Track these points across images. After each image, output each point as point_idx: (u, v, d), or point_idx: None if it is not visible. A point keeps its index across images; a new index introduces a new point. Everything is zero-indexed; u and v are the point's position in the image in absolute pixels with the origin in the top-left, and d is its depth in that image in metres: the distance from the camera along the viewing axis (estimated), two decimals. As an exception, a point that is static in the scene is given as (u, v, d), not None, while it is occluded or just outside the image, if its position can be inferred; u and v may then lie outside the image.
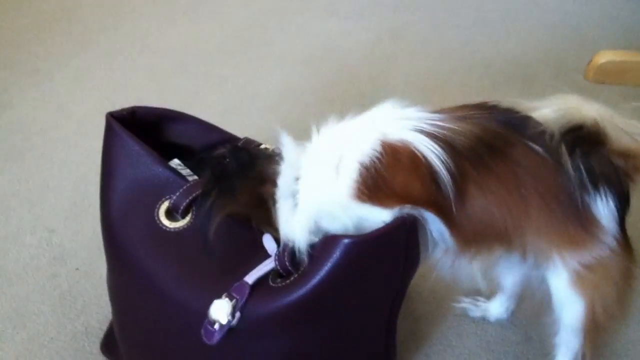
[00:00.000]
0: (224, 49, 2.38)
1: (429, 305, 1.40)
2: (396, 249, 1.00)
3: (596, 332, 1.14)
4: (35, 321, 1.37)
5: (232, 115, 1.97)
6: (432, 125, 0.99)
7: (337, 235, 0.94)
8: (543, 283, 1.13)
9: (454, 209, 0.99)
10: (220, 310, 0.95)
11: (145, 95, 2.12)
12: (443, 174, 0.97)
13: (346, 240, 0.92)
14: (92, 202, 1.64)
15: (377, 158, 0.97)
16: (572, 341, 1.15)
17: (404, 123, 1.00)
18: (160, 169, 1.08)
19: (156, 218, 1.07)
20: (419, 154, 0.97)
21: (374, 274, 1.00)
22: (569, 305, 1.10)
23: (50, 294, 1.43)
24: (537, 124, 1.00)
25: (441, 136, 0.98)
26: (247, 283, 0.96)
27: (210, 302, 0.97)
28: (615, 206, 1.02)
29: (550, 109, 1.02)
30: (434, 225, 1.03)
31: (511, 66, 2.21)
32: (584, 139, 0.99)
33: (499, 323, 1.37)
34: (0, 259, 1.52)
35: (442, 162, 0.97)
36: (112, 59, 2.34)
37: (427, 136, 0.98)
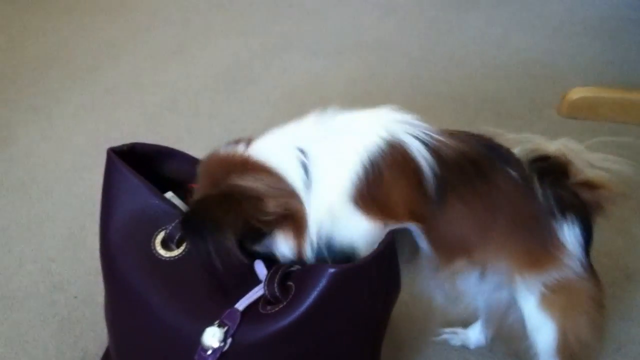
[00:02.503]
0: (213, 86, 2.43)
1: (412, 332, 1.44)
2: (379, 276, 1.04)
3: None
4: (36, 347, 1.41)
5: None
6: (425, 134, 1.04)
7: (323, 265, 0.98)
8: (511, 307, 1.16)
9: (435, 215, 1.03)
10: (213, 337, 0.99)
11: (139, 130, 2.17)
12: (430, 179, 1.02)
13: (332, 270, 0.96)
14: (90, 232, 1.68)
15: (381, 155, 1.01)
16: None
17: (402, 126, 1.04)
18: (156, 201, 1.12)
19: (152, 248, 1.10)
20: (411, 156, 1.02)
21: (358, 301, 1.03)
22: (540, 329, 1.14)
23: (50, 320, 1.47)
24: (513, 153, 1.07)
25: (432, 145, 1.03)
26: (237, 310, 1.00)
27: (203, 328, 1.00)
28: (581, 233, 1.08)
29: (517, 144, 1.10)
30: (417, 238, 1.06)
31: (486, 102, 2.26)
32: (550, 169, 1.07)
33: (479, 351, 1.40)
34: (2, 287, 1.56)
35: (431, 168, 1.02)
36: (107, 96, 2.38)
37: (420, 142, 1.03)
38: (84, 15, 3.01)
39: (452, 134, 1.07)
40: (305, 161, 1.03)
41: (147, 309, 1.08)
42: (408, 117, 1.07)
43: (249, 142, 1.06)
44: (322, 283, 0.97)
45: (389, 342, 1.18)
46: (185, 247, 1.10)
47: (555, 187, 1.07)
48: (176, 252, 1.10)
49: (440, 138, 1.05)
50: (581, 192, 1.08)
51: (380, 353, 1.17)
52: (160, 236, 1.12)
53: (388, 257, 1.04)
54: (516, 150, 1.10)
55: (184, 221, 1.02)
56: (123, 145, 1.20)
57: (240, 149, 1.05)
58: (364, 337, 1.12)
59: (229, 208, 0.98)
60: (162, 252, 1.10)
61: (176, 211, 1.12)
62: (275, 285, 1.00)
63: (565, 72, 2.45)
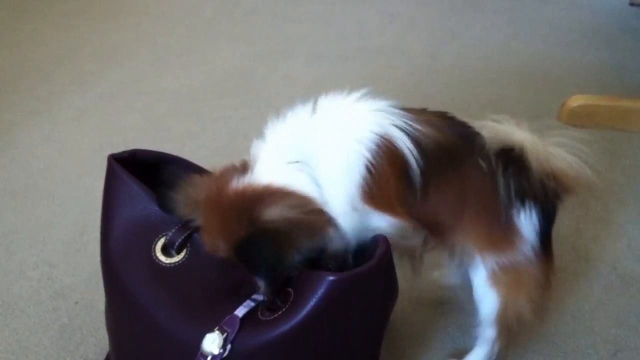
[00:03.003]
0: (215, 92, 2.44)
1: (411, 338, 1.45)
2: (377, 284, 1.05)
3: (510, 332, 1.26)
4: (37, 353, 1.41)
5: (223, 155, 1.98)
6: (406, 124, 1.08)
7: (322, 273, 0.98)
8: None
9: (417, 205, 1.10)
10: (213, 343, 1.00)
11: (142, 135, 2.18)
12: (415, 171, 1.07)
13: (330, 278, 0.97)
14: (91, 238, 1.69)
15: (378, 152, 1.06)
16: (488, 332, 1.28)
17: (387, 117, 1.09)
18: (156, 207, 1.13)
19: (153, 254, 1.12)
20: (400, 150, 1.07)
21: (356, 307, 1.04)
22: (484, 299, 1.23)
23: (50, 326, 1.47)
24: (484, 141, 1.11)
25: (413, 136, 1.08)
26: (237, 317, 1.01)
27: (202, 334, 1.01)
28: (538, 220, 1.15)
29: (485, 130, 1.14)
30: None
31: (487, 108, 2.27)
32: (513, 160, 1.11)
33: None
34: (3, 293, 1.56)
35: (415, 159, 1.07)
36: (110, 100, 2.39)
37: (404, 134, 1.07)
38: (88, 19, 3.02)
39: (428, 120, 1.12)
40: (314, 174, 1.05)
41: (147, 315, 1.09)
42: (386, 104, 1.12)
43: (245, 167, 1.07)
44: (321, 290, 0.98)
45: (388, 348, 1.21)
46: (186, 253, 1.11)
47: (517, 177, 1.12)
48: (176, 259, 1.12)
49: (419, 127, 1.09)
50: (542, 183, 1.13)
51: (379, 356, 1.19)
52: (160, 242, 1.13)
53: (386, 265, 1.05)
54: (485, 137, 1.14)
55: (250, 267, 1.03)
56: (124, 152, 1.21)
57: (249, 178, 1.05)
58: (362, 343, 1.13)
59: (287, 244, 1.00)
60: (162, 258, 1.12)
61: (176, 217, 1.12)
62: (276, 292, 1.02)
63: (565, 80, 2.46)
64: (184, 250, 1.11)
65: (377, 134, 1.07)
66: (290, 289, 1.03)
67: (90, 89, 2.47)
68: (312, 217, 1.03)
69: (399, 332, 1.45)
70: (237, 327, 1.01)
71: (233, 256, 1.02)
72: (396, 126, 1.08)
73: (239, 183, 1.05)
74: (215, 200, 1.05)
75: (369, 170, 1.05)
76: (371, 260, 1.01)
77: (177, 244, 1.11)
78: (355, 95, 1.13)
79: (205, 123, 2.25)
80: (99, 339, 1.43)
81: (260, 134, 1.12)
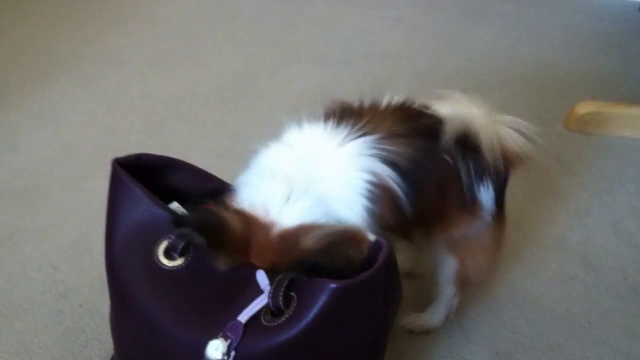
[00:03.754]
0: (219, 96, 2.43)
1: (414, 345, 1.45)
2: (380, 290, 1.04)
3: (467, 287, 1.40)
4: (41, 355, 1.41)
5: (227, 158, 2.02)
6: (383, 151, 1.14)
7: (324, 280, 0.97)
8: None
9: (408, 223, 1.18)
10: (216, 350, 0.99)
11: (145, 138, 2.18)
12: (403, 199, 1.15)
13: (333, 285, 0.96)
14: (95, 240, 1.67)
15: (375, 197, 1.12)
16: (448, 290, 1.40)
17: (369, 154, 1.14)
18: (159, 211, 1.12)
19: (155, 257, 1.10)
20: (388, 186, 1.13)
21: (359, 315, 1.03)
22: (446, 263, 1.35)
23: (55, 329, 1.47)
24: (445, 131, 1.21)
25: (392, 162, 1.14)
26: (240, 323, 1.00)
27: (205, 339, 1.00)
28: (495, 191, 1.28)
29: (444, 110, 1.26)
30: None
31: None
32: (469, 144, 1.22)
33: None
34: (7, 295, 1.56)
35: (402, 190, 1.15)
36: (114, 104, 2.39)
37: (386, 165, 1.13)
38: (92, 23, 3.02)
39: (394, 132, 1.18)
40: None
41: (150, 320, 1.08)
42: (360, 137, 1.16)
43: (263, 219, 1.08)
44: (323, 298, 0.97)
45: (391, 355, 1.19)
46: (188, 257, 1.10)
47: (474, 159, 1.24)
48: (179, 262, 1.10)
49: (390, 147, 1.15)
50: (494, 161, 1.25)
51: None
52: (162, 246, 1.12)
53: (389, 271, 1.04)
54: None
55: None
56: (129, 156, 1.21)
57: (278, 226, 1.07)
58: (366, 351, 1.11)
59: (342, 252, 1.03)
60: (164, 261, 1.11)
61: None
62: (280, 296, 1.00)
63: (573, 86, 2.46)
64: (187, 254, 1.10)
65: (369, 179, 1.12)
66: (293, 293, 1.01)
67: (93, 92, 2.46)
68: (348, 230, 1.06)
69: (402, 339, 1.44)
70: (240, 333, 1.00)
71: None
72: (379, 159, 1.14)
73: (271, 232, 1.07)
74: (262, 246, 1.07)
75: (370, 214, 1.12)
76: (374, 265, 1.00)
77: (179, 247, 1.10)
78: (330, 131, 1.18)
79: (208, 127, 2.24)
80: (103, 342, 1.43)
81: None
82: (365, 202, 1.11)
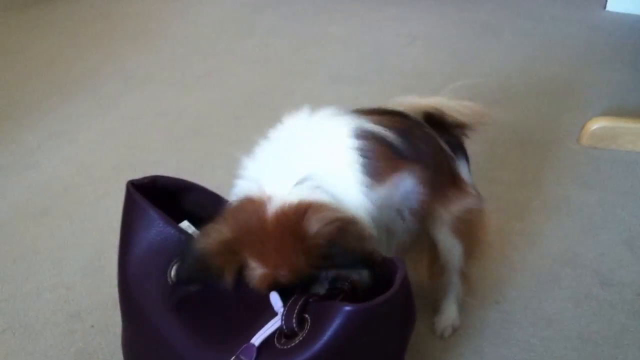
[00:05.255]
0: (235, 113, 2.45)
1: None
2: (394, 312, 1.03)
3: (467, 269, 1.44)
4: (53, 376, 1.41)
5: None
6: (371, 120, 1.18)
7: (338, 303, 0.97)
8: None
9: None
10: None
11: (162, 157, 2.19)
12: (399, 146, 1.17)
13: (347, 308, 0.95)
14: (109, 260, 1.69)
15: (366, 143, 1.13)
16: (454, 280, 1.44)
17: (357, 118, 1.18)
18: (172, 231, 1.13)
19: (168, 279, 1.11)
20: (380, 134, 1.16)
21: (374, 338, 1.02)
22: (452, 248, 1.36)
23: (67, 350, 1.47)
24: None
25: (381, 124, 1.18)
26: (253, 346, 1.00)
27: (219, 361, 1.00)
28: (467, 164, 1.39)
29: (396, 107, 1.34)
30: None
31: (506, 130, 2.26)
32: (439, 123, 1.35)
33: None
34: (21, 316, 1.56)
35: (396, 139, 1.17)
36: (130, 122, 2.40)
37: (375, 125, 1.17)
38: (110, 42, 3.05)
39: (383, 114, 1.25)
40: (324, 187, 1.07)
41: (163, 341, 1.09)
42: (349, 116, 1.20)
43: (259, 198, 1.07)
44: (338, 321, 0.96)
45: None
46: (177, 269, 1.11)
47: (447, 136, 1.35)
48: (191, 283, 1.10)
49: (383, 121, 1.19)
50: (459, 132, 1.41)
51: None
52: (175, 267, 1.12)
53: (403, 293, 1.03)
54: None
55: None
56: (144, 178, 1.22)
57: (275, 205, 1.04)
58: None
59: (353, 241, 1.02)
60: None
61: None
62: (294, 318, 1.00)
63: (585, 101, 2.45)
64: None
65: (358, 132, 1.14)
66: (307, 315, 1.01)
67: (110, 110, 2.48)
68: (353, 225, 1.04)
69: (416, 356, 1.43)
70: (254, 356, 1.00)
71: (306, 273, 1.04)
72: (368, 122, 1.17)
73: (270, 213, 1.04)
74: (259, 237, 1.04)
75: (365, 157, 1.11)
76: (391, 288, 0.99)
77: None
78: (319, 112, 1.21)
79: (224, 145, 2.25)
80: (115, 364, 1.43)
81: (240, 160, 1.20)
82: (353, 140, 1.12)
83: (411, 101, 1.40)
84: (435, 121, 1.37)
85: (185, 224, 1.18)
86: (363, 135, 1.14)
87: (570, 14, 3.28)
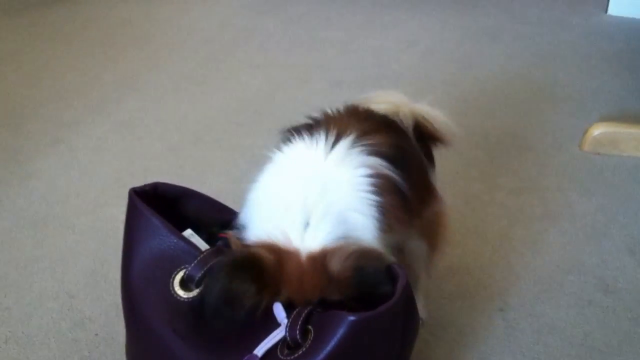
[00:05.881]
0: (234, 119, 2.44)
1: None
2: (398, 321, 1.04)
3: (431, 264, 1.46)
4: (57, 385, 1.41)
5: (241, 183, 1.98)
6: (361, 145, 1.17)
7: (342, 313, 0.97)
8: None
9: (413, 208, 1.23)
10: None
11: (161, 164, 2.18)
12: (400, 182, 1.17)
13: (351, 318, 0.95)
14: (112, 268, 1.69)
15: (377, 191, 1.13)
16: (422, 279, 1.47)
17: (361, 150, 1.17)
18: (174, 240, 1.12)
19: (171, 288, 1.11)
20: (384, 173, 1.15)
21: (377, 347, 1.02)
22: (418, 249, 1.38)
23: (71, 358, 1.46)
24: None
25: (375, 151, 1.17)
26: (256, 356, 1.00)
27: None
28: (434, 169, 1.45)
29: (382, 106, 1.39)
30: None
31: (507, 135, 2.27)
32: (421, 131, 1.40)
33: None
34: (24, 325, 1.56)
35: (395, 173, 1.17)
36: (129, 129, 2.40)
37: (371, 155, 1.16)
38: (107, 48, 3.05)
39: (367, 131, 1.22)
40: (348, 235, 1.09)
41: (167, 351, 1.08)
42: (339, 141, 1.18)
43: (281, 247, 1.07)
44: (341, 330, 0.96)
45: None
46: (206, 281, 1.09)
47: (422, 144, 1.41)
48: (195, 293, 1.10)
49: (373, 142, 1.19)
50: (430, 141, 1.46)
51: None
52: (179, 276, 1.12)
53: (406, 301, 1.04)
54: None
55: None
56: (145, 186, 1.22)
57: (304, 253, 1.06)
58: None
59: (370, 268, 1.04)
60: (180, 292, 1.11)
61: (194, 250, 1.12)
62: (297, 329, 1.00)
63: (586, 107, 2.45)
64: (203, 285, 1.09)
65: (367, 172, 1.14)
66: (310, 327, 1.01)
67: (109, 117, 2.47)
68: (368, 248, 1.08)
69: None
70: (257, 367, 0.99)
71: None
72: (366, 153, 1.16)
73: (302, 262, 1.06)
74: (295, 272, 1.06)
75: (379, 212, 1.12)
76: (393, 297, 0.99)
77: (196, 278, 1.09)
78: (321, 145, 1.18)
79: (224, 151, 2.25)
80: (119, 373, 1.42)
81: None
82: (372, 197, 1.12)
83: (401, 102, 1.44)
84: (419, 129, 1.41)
85: (188, 232, 1.18)
86: (375, 182, 1.14)
87: (571, 19, 3.28)
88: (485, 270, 1.69)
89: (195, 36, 3.18)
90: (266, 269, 1.03)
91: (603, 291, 1.62)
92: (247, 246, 1.09)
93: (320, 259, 1.05)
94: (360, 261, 1.03)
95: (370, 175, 1.13)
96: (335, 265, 1.03)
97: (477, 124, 2.36)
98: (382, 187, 1.14)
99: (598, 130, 2.16)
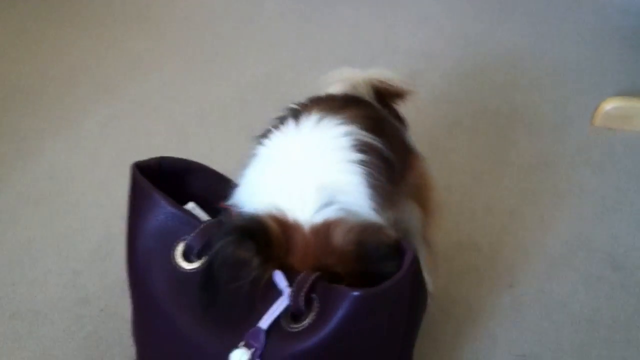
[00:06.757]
0: (242, 98, 2.43)
1: (440, 350, 1.43)
2: (405, 296, 1.02)
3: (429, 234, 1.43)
4: (62, 361, 1.41)
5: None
6: (339, 118, 1.17)
7: (345, 288, 0.96)
8: None
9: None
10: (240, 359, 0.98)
11: (168, 143, 2.18)
12: (382, 148, 1.17)
13: (354, 294, 0.94)
14: (116, 245, 1.68)
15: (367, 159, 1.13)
16: (420, 249, 1.40)
17: (333, 123, 1.16)
18: (175, 212, 1.12)
19: (173, 260, 1.10)
20: (365, 139, 1.15)
21: (384, 322, 1.01)
22: (411, 214, 1.36)
23: (76, 335, 1.47)
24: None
25: (354, 122, 1.17)
26: (261, 329, 0.99)
27: (227, 346, 0.99)
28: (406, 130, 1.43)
29: (338, 86, 1.42)
30: None
31: (518, 112, 2.25)
32: (381, 95, 1.40)
33: None
34: (28, 300, 1.56)
35: (375, 140, 1.17)
36: (137, 107, 2.39)
37: (352, 125, 1.16)
38: (114, 27, 3.03)
39: (338, 107, 1.22)
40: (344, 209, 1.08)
41: (173, 327, 1.08)
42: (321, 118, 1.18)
43: (285, 220, 1.06)
44: (346, 306, 0.95)
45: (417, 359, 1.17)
46: (206, 259, 1.07)
47: (387, 107, 1.41)
48: (197, 264, 1.09)
49: (349, 114, 1.19)
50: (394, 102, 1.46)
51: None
52: (180, 247, 1.11)
53: (414, 276, 1.02)
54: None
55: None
56: (149, 160, 1.21)
57: (307, 224, 1.05)
58: (391, 356, 1.09)
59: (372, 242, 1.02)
60: (183, 264, 1.10)
61: (195, 221, 1.11)
62: (302, 297, 0.98)
63: (598, 82, 2.42)
64: (205, 256, 1.08)
65: (352, 138, 1.14)
66: (314, 295, 0.99)
67: (116, 96, 2.47)
68: (372, 223, 1.07)
69: (427, 342, 1.42)
70: (263, 340, 0.99)
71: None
72: (346, 124, 1.16)
73: (306, 234, 1.05)
74: (303, 253, 1.05)
75: (371, 179, 1.12)
76: (399, 272, 0.98)
77: (196, 249, 1.09)
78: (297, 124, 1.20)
79: (232, 131, 2.23)
80: (124, 348, 1.42)
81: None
82: (358, 156, 1.11)
83: (353, 76, 1.44)
84: (379, 93, 1.42)
85: (190, 206, 1.17)
86: (361, 148, 1.14)
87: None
88: (494, 246, 1.68)
89: (202, 15, 3.16)
90: (273, 239, 1.03)
91: (612, 267, 1.61)
92: (252, 215, 1.07)
93: (323, 232, 1.04)
94: (362, 235, 1.02)
95: (351, 140, 1.14)
96: (337, 238, 1.03)
97: (488, 100, 2.33)
98: (365, 150, 1.14)
99: (610, 105, 2.13)
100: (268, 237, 1.02)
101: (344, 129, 1.15)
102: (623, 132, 2.12)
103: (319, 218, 1.05)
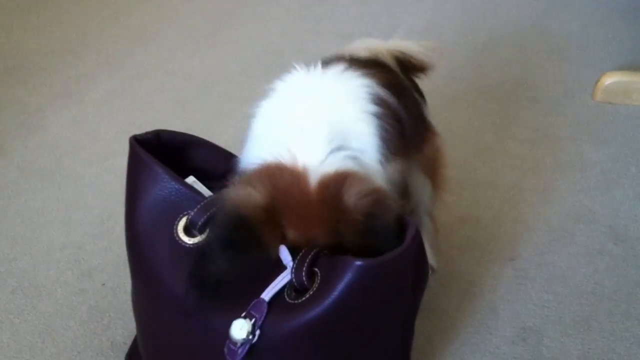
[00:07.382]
0: (244, 72, 2.42)
1: (442, 323, 1.42)
2: (407, 269, 1.02)
3: (435, 209, 1.45)
4: (64, 335, 1.41)
5: None
6: (355, 69, 1.18)
7: (349, 258, 0.95)
8: None
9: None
10: (241, 330, 0.97)
11: (170, 117, 2.17)
12: (399, 110, 1.18)
13: (358, 263, 0.93)
14: (119, 219, 1.64)
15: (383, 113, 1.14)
16: (426, 224, 1.44)
17: (361, 78, 1.17)
18: (177, 186, 1.11)
19: (175, 235, 1.09)
20: (387, 100, 1.16)
21: (386, 294, 1.01)
22: (424, 188, 1.38)
23: (78, 309, 1.47)
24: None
25: (380, 83, 1.17)
26: (264, 301, 0.98)
27: (229, 319, 0.99)
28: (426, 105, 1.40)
29: (362, 54, 1.34)
30: None
31: (520, 86, 2.24)
32: (403, 66, 1.39)
33: (513, 341, 1.38)
34: (30, 275, 1.56)
35: (393, 101, 1.17)
36: (138, 82, 2.38)
37: (366, 78, 1.17)
38: (116, 1, 3.01)
39: (359, 63, 1.24)
40: (355, 157, 1.08)
41: (173, 300, 1.07)
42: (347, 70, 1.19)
43: (291, 165, 1.04)
44: (348, 276, 0.95)
45: (418, 333, 1.17)
46: (208, 233, 1.07)
47: (410, 79, 1.40)
48: (199, 239, 1.09)
49: (368, 71, 1.19)
50: (417, 75, 1.45)
51: (411, 344, 1.16)
52: (182, 222, 1.10)
53: (416, 249, 1.02)
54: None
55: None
56: (147, 133, 1.20)
57: (313, 173, 1.03)
58: (393, 328, 1.10)
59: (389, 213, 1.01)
60: (185, 238, 1.09)
61: (197, 196, 1.10)
62: (304, 272, 0.98)
63: (600, 57, 2.41)
64: (207, 230, 1.08)
65: (373, 97, 1.14)
66: (316, 269, 0.99)
67: (117, 70, 2.46)
68: (387, 197, 1.04)
69: (429, 317, 1.42)
70: (264, 312, 0.98)
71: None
72: (362, 76, 1.17)
73: (312, 184, 1.03)
74: (300, 209, 1.03)
75: (383, 130, 1.12)
76: (402, 244, 0.98)
77: (199, 223, 1.08)
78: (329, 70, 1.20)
79: (234, 104, 2.22)
80: (126, 322, 1.42)
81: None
82: (375, 108, 1.12)
83: (376, 46, 1.40)
84: (402, 64, 1.40)
85: (190, 179, 1.17)
86: (378, 102, 1.14)
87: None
88: (496, 220, 1.68)
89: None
90: (262, 222, 1.00)
91: (614, 240, 1.61)
92: (239, 195, 1.03)
93: (334, 186, 1.01)
94: (375, 207, 0.99)
95: (370, 93, 1.14)
96: (349, 199, 1.00)
97: (490, 75, 2.33)
98: (381, 105, 1.14)
99: (610, 79, 2.12)
100: (256, 223, 1.00)
101: (366, 81, 1.16)
102: (623, 105, 2.11)
103: (330, 167, 1.03)
